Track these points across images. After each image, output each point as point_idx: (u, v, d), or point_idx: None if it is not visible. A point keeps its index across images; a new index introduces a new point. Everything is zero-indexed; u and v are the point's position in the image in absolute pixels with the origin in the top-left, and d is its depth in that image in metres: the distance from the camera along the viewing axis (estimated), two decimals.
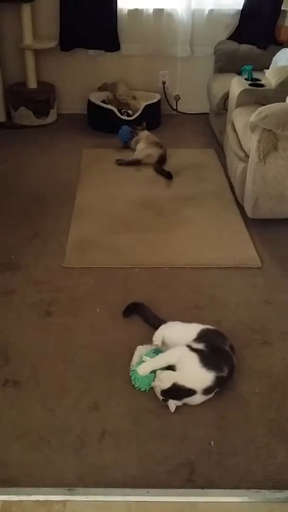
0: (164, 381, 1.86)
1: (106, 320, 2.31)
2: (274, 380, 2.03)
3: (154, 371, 1.93)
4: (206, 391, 1.88)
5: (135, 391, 1.96)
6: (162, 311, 2.31)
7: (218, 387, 1.91)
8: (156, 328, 2.14)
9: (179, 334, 2.05)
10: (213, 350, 1.96)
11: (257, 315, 2.37)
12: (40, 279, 2.57)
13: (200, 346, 1.96)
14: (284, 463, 1.73)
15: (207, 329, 2.08)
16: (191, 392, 1.87)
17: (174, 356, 1.94)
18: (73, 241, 2.85)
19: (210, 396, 1.91)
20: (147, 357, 1.98)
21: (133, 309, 2.33)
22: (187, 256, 2.77)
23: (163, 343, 2.05)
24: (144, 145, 3.83)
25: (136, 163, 3.75)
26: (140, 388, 1.95)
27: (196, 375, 1.88)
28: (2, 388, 1.97)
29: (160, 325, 2.15)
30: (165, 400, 1.88)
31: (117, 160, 3.77)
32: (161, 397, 1.88)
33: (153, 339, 2.06)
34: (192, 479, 1.68)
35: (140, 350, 2.05)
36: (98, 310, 2.37)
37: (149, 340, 2.10)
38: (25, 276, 2.59)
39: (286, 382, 2.02)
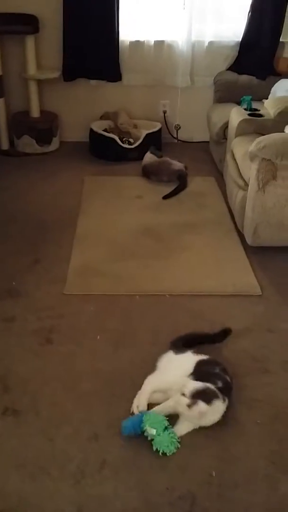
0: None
1: (106, 348, 2.31)
2: (276, 410, 2.02)
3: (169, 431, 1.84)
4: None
5: None
6: (162, 339, 2.31)
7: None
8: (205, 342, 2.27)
9: (174, 377, 2.01)
10: (205, 376, 1.96)
11: (258, 344, 2.36)
12: (41, 306, 2.57)
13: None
14: (286, 495, 1.71)
15: (201, 361, 2.08)
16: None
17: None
18: (74, 268, 2.87)
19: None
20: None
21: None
22: (188, 283, 2.78)
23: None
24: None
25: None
26: (164, 452, 1.81)
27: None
28: (2, 417, 1.96)
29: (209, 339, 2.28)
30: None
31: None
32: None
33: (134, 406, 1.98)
34: (192, 511, 1.66)
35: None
36: (98, 337, 2.37)
37: (149, 369, 2.10)
38: (26, 303, 2.60)
39: None
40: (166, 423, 1.86)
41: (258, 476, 1.77)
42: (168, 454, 1.81)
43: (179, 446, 1.84)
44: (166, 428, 1.85)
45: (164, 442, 1.81)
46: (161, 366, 2.12)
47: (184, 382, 1.92)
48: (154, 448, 1.82)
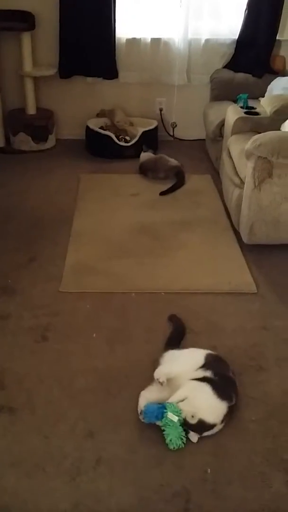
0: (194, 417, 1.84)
1: (102, 346, 2.31)
2: (270, 408, 2.03)
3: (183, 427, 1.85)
4: (222, 421, 1.89)
5: (131, 417, 1.95)
6: (158, 337, 2.32)
7: (229, 416, 1.92)
8: (167, 345, 2.21)
9: (184, 367, 2.01)
10: (221, 378, 1.95)
11: (253, 341, 2.37)
12: (37, 303, 2.57)
13: (208, 374, 1.95)
14: (280, 492, 1.72)
15: (210, 355, 2.08)
16: (212, 426, 1.87)
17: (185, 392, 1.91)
18: (70, 266, 2.86)
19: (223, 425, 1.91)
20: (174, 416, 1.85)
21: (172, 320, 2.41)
22: (184, 281, 2.78)
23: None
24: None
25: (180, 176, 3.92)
26: (171, 446, 1.83)
27: (214, 408, 1.88)
28: None
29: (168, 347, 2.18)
30: (186, 432, 1.85)
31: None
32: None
33: (156, 377, 1.98)
34: (187, 508, 1.67)
35: (145, 395, 1.96)
36: (94, 335, 2.37)
37: (145, 367, 2.10)
38: (21, 300, 2.59)
39: (282, 410, 2.02)
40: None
41: (253, 473, 1.78)
42: (171, 447, 1.82)
43: (183, 445, 1.83)
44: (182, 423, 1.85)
45: (174, 435, 1.82)
46: (166, 360, 2.10)
47: (195, 374, 1.94)
48: (165, 437, 1.83)
